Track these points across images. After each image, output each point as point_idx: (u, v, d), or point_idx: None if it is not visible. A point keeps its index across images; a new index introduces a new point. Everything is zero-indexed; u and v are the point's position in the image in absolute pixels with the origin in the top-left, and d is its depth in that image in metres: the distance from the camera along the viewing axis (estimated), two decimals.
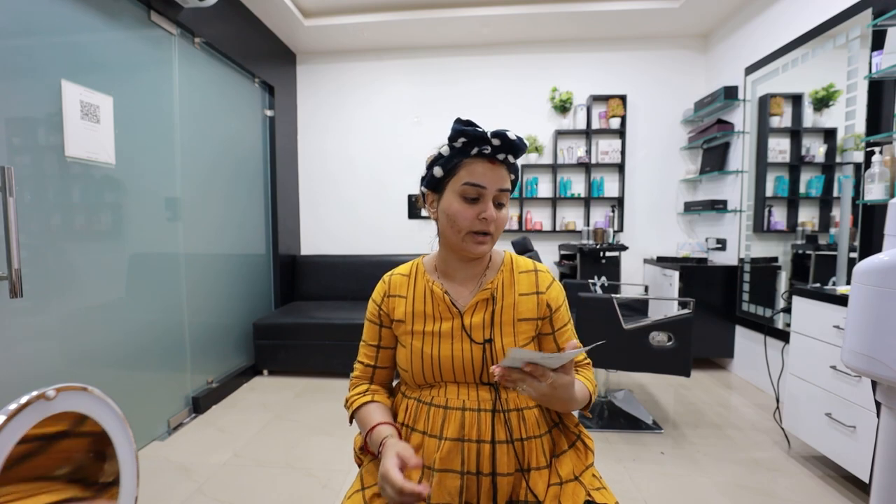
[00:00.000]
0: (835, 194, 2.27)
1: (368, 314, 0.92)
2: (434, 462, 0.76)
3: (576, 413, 0.91)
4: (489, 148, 0.78)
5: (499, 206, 0.81)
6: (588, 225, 3.59)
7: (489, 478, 0.76)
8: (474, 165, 0.79)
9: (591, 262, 3.17)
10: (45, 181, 1.63)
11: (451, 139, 0.79)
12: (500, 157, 0.79)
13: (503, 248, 0.97)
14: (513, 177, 0.84)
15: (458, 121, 0.79)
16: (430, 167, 0.83)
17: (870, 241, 1.99)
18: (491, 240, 0.82)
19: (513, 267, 0.89)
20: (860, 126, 2.05)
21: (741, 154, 2.96)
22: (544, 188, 3.66)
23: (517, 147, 0.78)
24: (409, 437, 0.82)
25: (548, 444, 0.82)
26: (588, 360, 0.90)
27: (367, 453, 0.87)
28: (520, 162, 3.57)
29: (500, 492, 0.76)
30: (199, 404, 2.42)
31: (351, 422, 0.90)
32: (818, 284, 2.00)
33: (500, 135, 0.76)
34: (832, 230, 2.26)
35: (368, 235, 3.81)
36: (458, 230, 0.80)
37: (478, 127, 0.78)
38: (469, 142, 0.77)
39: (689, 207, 3.45)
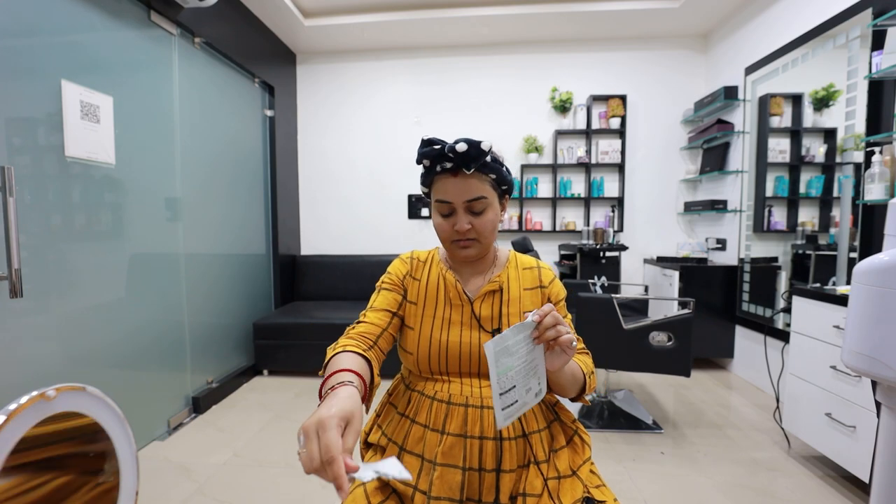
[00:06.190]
0: (835, 194, 2.26)
1: (387, 284, 0.90)
2: (436, 456, 0.77)
3: (573, 411, 0.92)
4: (449, 163, 0.79)
5: (475, 213, 0.82)
6: (588, 225, 3.59)
7: (492, 474, 0.77)
8: (441, 182, 0.82)
9: (591, 262, 3.17)
10: (45, 181, 1.63)
11: (417, 162, 0.83)
12: (466, 167, 0.79)
13: (503, 248, 0.98)
14: (493, 177, 0.82)
15: (422, 142, 0.81)
16: (420, 183, 0.88)
17: (870, 241, 1.99)
18: (476, 243, 0.85)
19: (517, 264, 0.93)
20: (860, 126, 2.05)
21: (741, 154, 2.96)
22: (544, 188, 3.66)
23: (472, 157, 0.77)
24: (410, 430, 0.81)
25: (547, 439, 0.83)
26: (586, 350, 0.93)
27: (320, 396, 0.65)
28: (519, 162, 3.59)
29: (503, 487, 0.76)
30: (199, 404, 2.42)
31: (323, 370, 0.72)
32: (818, 284, 2.01)
33: (451, 149, 0.77)
34: (832, 230, 2.26)
35: (368, 235, 3.81)
36: (443, 240, 0.87)
37: (436, 144, 0.79)
38: (432, 160, 0.80)
39: (689, 207, 3.45)
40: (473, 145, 0.76)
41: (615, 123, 3.47)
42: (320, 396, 0.63)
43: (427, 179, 0.85)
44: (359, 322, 0.86)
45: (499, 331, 0.84)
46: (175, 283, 2.31)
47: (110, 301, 1.90)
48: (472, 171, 0.80)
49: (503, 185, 0.86)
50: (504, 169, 0.85)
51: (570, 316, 0.93)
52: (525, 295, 0.88)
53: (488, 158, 0.80)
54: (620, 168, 3.53)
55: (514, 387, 0.68)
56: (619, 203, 3.56)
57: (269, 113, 3.36)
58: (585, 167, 3.57)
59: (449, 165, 0.80)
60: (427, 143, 0.80)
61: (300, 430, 0.51)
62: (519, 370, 0.67)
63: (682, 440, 2.10)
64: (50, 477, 0.78)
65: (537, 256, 2.61)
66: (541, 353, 0.70)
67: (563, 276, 3.43)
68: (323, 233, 3.85)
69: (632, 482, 1.76)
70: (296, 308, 3.24)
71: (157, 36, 2.18)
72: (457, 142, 0.77)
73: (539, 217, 3.69)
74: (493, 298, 0.87)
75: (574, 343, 0.70)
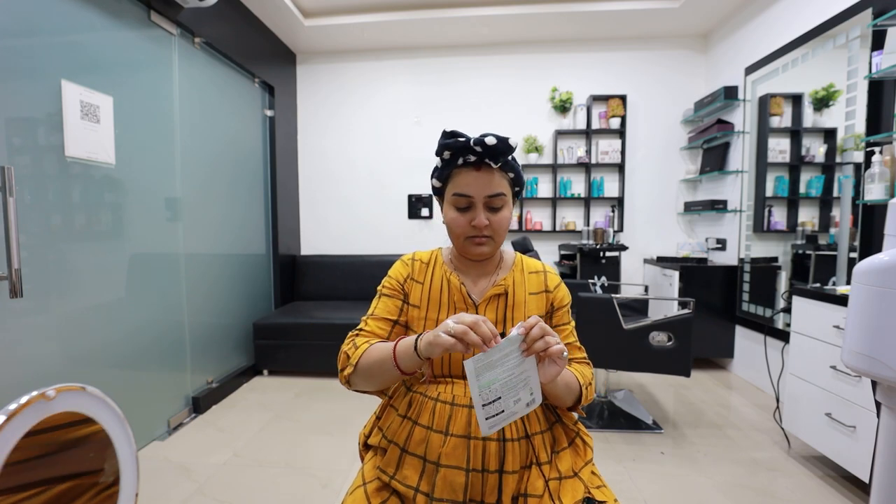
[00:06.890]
0: (835, 194, 2.27)
1: (387, 290, 0.90)
2: (439, 458, 0.76)
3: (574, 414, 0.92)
4: (473, 157, 0.79)
5: (493, 209, 0.83)
6: (588, 225, 3.59)
7: (495, 475, 0.76)
8: (461, 175, 0.82)
9: (591, 262, 3.18)
10: (45, 181, 1.63)
11: (438, 153, 0.82)
12: (489, 161, 0.80)
13: (508, 250, 0.97)
14: (511, 175, 0.84)
15: (444, 133, 0.81)
16: (431, 177, 0.87)
17: (870, 241, 1.99)
18: (491, 241, 0.84)
19: (523, 267, 0.92)
20: (860, 126, 2.05)
21: (741, 154, 2.96)
22: (544, 188, 3.66)
23: (500, 151, 0.78)
24: (412, 431, 0.81)
25: (549, 441, 0.83)
26: (587, 360, 0.92)
27: (398, 368, 0.75)
28: (519, 161, 3.59)
29: (506, 488, 0.76)
30: (199, 404, 2.42)
31: (353, 370, 0.80)
32: (818, 284, 2.01)
33: (480, 142, 0.77)
34: (832, 230, 2.26)
35: (368, 235, 3.81)
36: (457, 236, 0.85)
37: (461, 137, 0.79)
38: (454, 153, 0.80)
39: (689, 207, 3.45)
40: (502, 140, 0.77)
41: (615, 123, 3.47)
42: (396, 360, 0.75)
43: (444, 173, 0.84)
44: (361, 330, 0.87)
45: (503, 335, 0.84)
46: (175, 283, 2.31)
47: (110, 301, 1.90)
48: (498, 165, 0.80)
49: (517, 185, 0.86)
50: (520, 169, 0.86)
51: (572, 322, 0.93)
52: (531, 299, 0.88)
53: (510, 157, 0.81)
54: (620, 168, 3.53)
55: (500, 398, 0.68)
56: (619, 203, 3.56)
57: (269, 113, 3.36)
58: (585, 167, 3.57)
59: (472, 159, 0.79)
60: (450, 135, 0.80)
61: (445, 326, 0.68)
62: (504, 382, 0.68)
63: (682, 440, 2.10)
64: (50, 476, 0.78)
65: (537, 256, 2.62)
66: (533, 365, 0.70)
67: (563, 276, 3.43)
68: (323, 233, 3.85)
69: (632, 482, 1.76)
70: (296, 308, 3.24)
71: (157, 36, 2.18)
72: (485, 135, 0.77)
73: (539, 217, 3.69)
74: (498, 302, 0.86)
75: (565, 354, 0.69)
